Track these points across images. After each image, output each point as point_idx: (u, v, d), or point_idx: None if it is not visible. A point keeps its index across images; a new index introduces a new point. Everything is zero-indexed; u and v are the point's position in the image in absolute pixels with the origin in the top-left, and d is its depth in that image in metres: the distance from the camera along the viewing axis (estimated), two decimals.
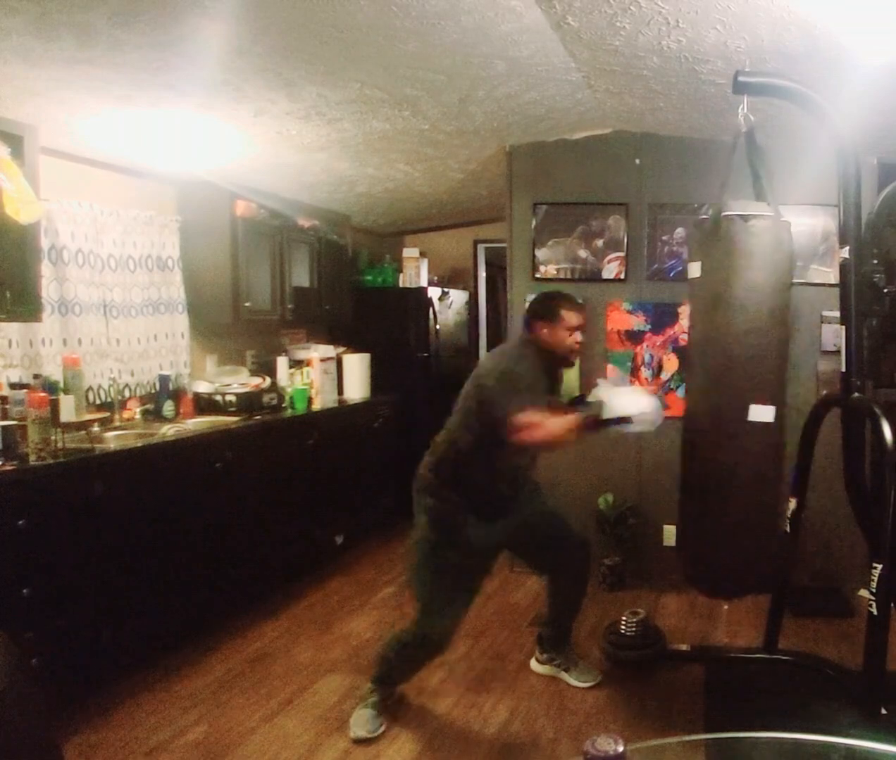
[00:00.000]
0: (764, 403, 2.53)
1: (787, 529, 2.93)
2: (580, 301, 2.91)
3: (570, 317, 2.78)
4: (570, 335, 2.78)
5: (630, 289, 4.18)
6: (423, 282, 5.84)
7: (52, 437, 2.83)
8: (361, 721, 2.76)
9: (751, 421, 2.53)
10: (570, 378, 4.22)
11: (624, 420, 2.56)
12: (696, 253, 2.71)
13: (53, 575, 2.72)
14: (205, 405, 4.12)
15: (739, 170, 2.65)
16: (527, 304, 3.00)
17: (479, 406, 2.67)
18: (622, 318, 4.17)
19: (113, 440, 3.39)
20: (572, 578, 3.07)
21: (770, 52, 2.61)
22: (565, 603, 3.12)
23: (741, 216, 2.52)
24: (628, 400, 2.64)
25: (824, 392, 3.65)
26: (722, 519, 2.62)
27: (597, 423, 2.58)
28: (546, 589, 3.15)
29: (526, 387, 2.62)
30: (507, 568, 4.36)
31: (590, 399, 2.78)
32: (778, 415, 2.56)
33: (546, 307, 2.85)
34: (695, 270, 2.70)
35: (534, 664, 3.24)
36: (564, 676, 3.12)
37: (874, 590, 2.38)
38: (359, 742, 2.69)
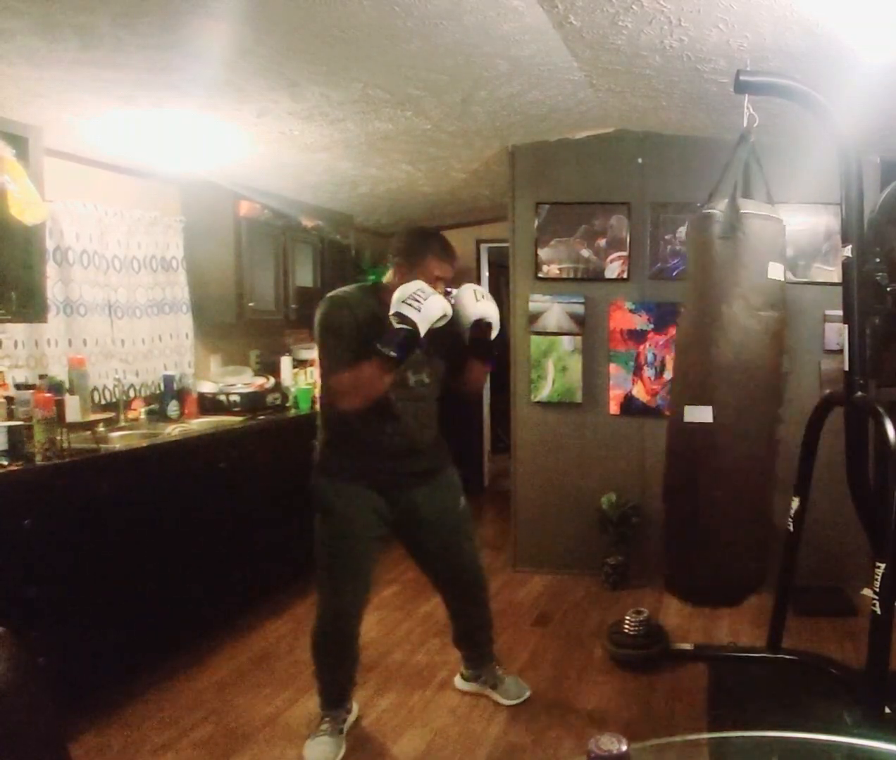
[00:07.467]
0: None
1: (791, 528, 2.93)
2: (451, 251, 2.49)
3: (433, 266, 2.39)
4: (430, 285, 2.34)
5: (633, 288, 4.18)
6: None
7: (58, 437, 2.84)
8: (316, 752, 2.53)
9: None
10: (572, 379, 4.23)
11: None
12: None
13: (59, 575, 2.73)
14: (209, 405, 4.14)
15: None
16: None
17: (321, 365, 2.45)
18: (625, 318, 4.18)
19: (118, 440, 3.40)
20: (465, 602, 2.83)
21: (772, 50, 2.61)
22: (466, 622, 2.88)
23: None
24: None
25: (827, 391, 3.65)
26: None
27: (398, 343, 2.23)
28: (444, 604, 2.90)
29: (339, 340, 2.34)
30: (509, 568, 4.37)
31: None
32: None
33: (409, 245, 2.45)
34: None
35: (458, 680, 3.02)
36: (490, 693, 2.91)
37: (877, 589, 2.37)
38: None
